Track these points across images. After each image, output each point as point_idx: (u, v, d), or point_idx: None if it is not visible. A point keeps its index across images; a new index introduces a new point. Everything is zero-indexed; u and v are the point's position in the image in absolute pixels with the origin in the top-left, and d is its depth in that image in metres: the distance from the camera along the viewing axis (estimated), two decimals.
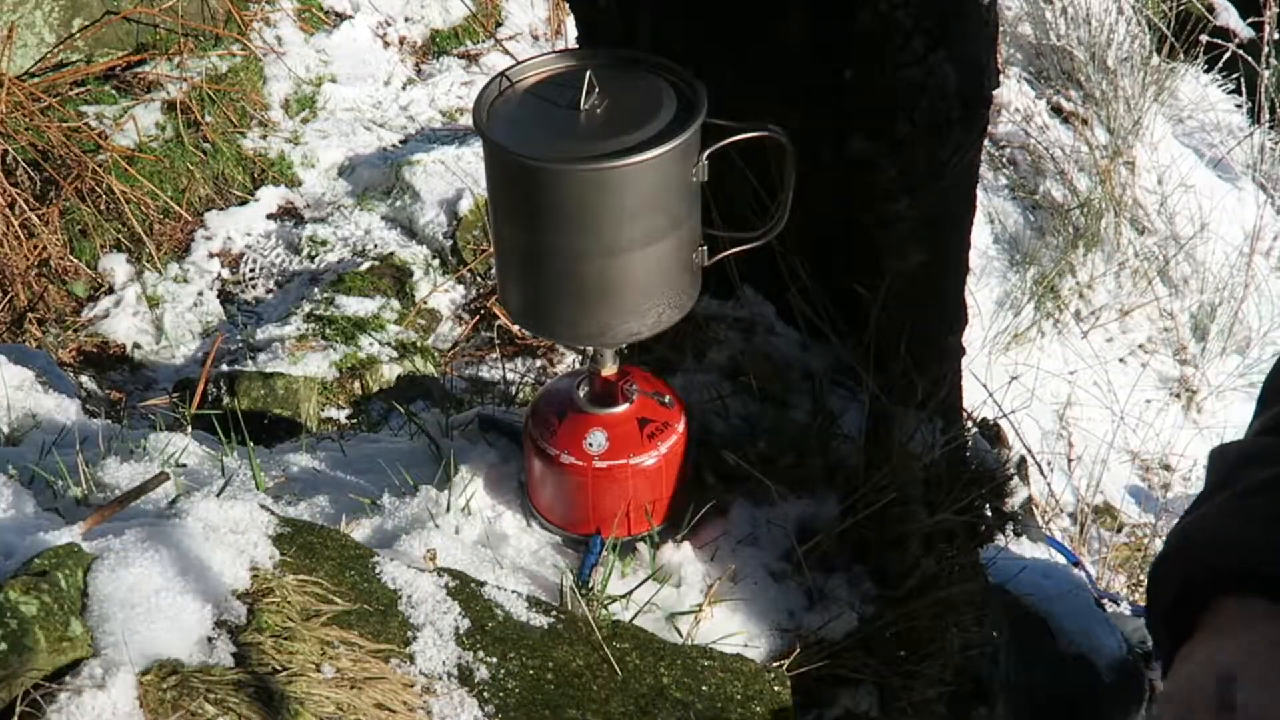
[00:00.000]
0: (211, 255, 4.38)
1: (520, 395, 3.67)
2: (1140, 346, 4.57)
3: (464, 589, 1.37)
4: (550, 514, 1.55)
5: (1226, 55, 5.06)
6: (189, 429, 1.78)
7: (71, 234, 4.19)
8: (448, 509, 1.53)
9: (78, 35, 4.60)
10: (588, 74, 1.30)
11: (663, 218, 1.32)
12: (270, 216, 4.55)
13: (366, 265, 4.28)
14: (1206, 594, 0.94)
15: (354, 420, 3.67)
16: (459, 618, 1.32)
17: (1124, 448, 4.27)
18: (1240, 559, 0.93)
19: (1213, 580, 0.94)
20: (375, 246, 4.39)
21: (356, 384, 3.84)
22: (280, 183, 4.63)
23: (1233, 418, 4.35)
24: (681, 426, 1.51)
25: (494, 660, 1.30)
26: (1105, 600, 2.65)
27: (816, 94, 1.59)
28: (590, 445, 1.47)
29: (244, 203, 4.54)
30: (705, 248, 1.41)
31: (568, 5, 1.92)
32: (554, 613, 1.39)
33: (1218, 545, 0.95)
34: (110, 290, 4.19)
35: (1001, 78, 4.58)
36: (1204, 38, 5.05)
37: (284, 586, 1.24)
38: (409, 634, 1.28)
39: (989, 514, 1.87)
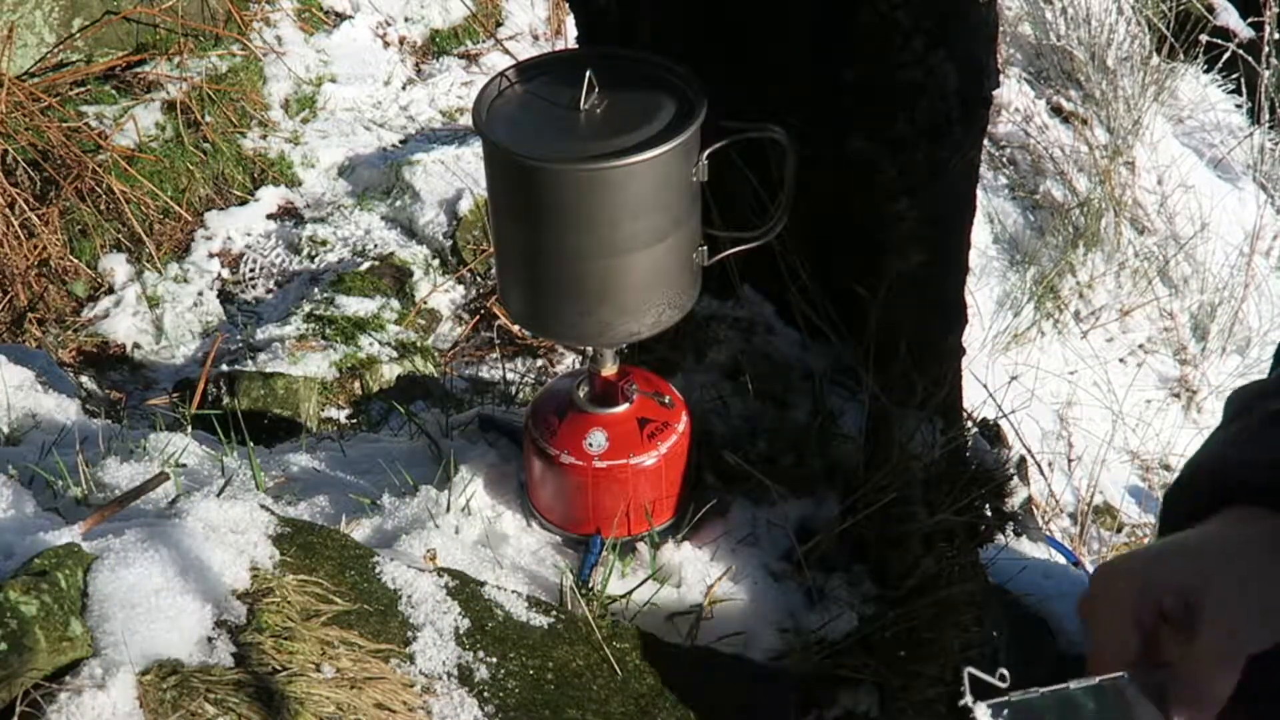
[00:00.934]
0: (211, 255, 4.38)
1: (520, 395, 3.68)
2: (1140, 346, 4.57)
3: (464, 589, 1.37)
4: (550, 514, 1.55)
5: (1226, 55, 5.06)
6: (189, 429, 1.78)
7: (71, 234, 4.19)
8: (448, 509, 1.53)
9: (78, 35, 4.60)
10: (588, 74, 1.30)
11: (663, 217, 1.32)
12: (270, 216, 4.55)
13: (366, 265, 4.28)
14: (1215, 510, 0.97)
15: (354, 420, 3.67)
16: (459, 618, 1.32)
17: (1124, 448, 4.27)
18: (1249, 476, 0.96)
19: (1221, 498, 0.96)
20: (375, 246, 4.39)
21: (356, 384, 3.84)
22: (280, 183, 4.63)
23: None
24: (682, 426, 1.51)
25: (494, 660, 1.30)
26: None
27: (816, 94, 1.59)
28: (590, 445, 1.47)
29: (244, 203, 4.54)
30: (705, 248, 1.41)
31: (568, 5, 1.92)
32: (554, 613, 1.39)
33: (1228, 466, 0.98)
34: (110, 290, 4.19)
35: (1001, 78, 4.58)
36: (1204, 38, 5.05)
37: (284, 586, 1.24)
38: (409, 634, 1.28)
39: (989, 514, 1.87)
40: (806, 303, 1.69)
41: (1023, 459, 2.26)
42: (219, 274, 4.35)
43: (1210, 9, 5.28)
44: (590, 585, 1.46)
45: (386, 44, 5.28)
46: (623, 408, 1.50)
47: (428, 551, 1.43)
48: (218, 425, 1.74)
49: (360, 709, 1.16)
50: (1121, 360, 4.52)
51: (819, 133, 1.56)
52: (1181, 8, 5.16)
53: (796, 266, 1.67)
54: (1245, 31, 5.17)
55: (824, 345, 1.71)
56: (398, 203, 4.52)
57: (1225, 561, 0.92)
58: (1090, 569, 3.48)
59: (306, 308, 4.09)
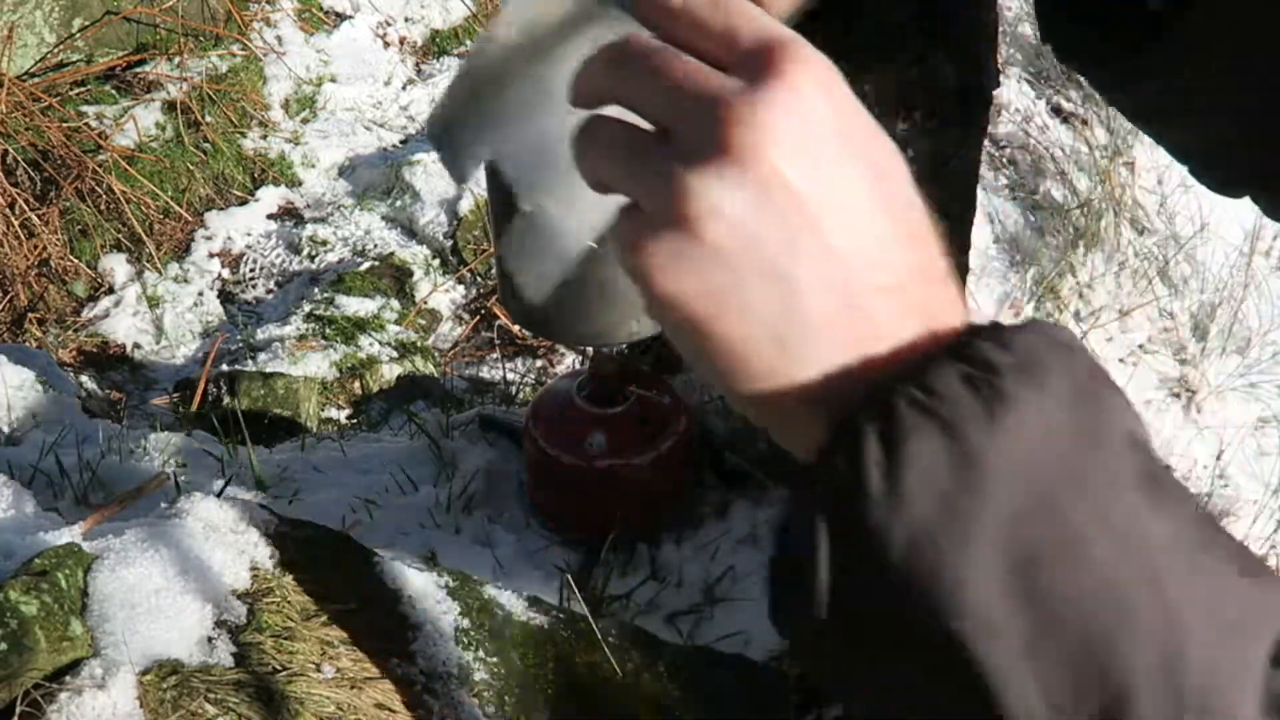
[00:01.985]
0: (211, 255, 4.38)
1: (520, 395, 3.68)
2: (1140, 346, 4.57)
3: (464, 588, 1.37)
4: (550, 514, 1.55)
5: None
6: (189, 429, 1.78)
7: (71, 234, 4.19)
8: (448, 509, 1.53)
9: (78, 35, 4.60)
10: None
11: None
12: (270, 216, 4.55)
13: (366, 265, 4.29)
14: None
15: (354, 420, 3.67)
16: (459, 617, 1.32)
17: None
18: None
19: None
20: (375, 246, 4.39)
21: (356, 384, 3.84)
22: (280, 183, 4.63)
23: (1232, 417, 4.35)
24: (681, 426, 1.51)
25: (494, 660, 1.30)
26: None
27: None
28: (590, 445, 1.47)
29: (244, 203, 4.54)
30: None
31: None
32: (554, 613, 1.39)
33: None
34: (110, 290, 4.19)
35: (1001, 78, 4.58)
36: None
37: (284, 586, 1.24)
38: (409, 634, 1.28)
39: None
40: None
41: None
42: (219, 274, 4.35)
43: None
44: (590, 585, 1.46)
45: (387, 44, 5.28)
46: (622, 408, 1.50)
47: (428, 551, 1.43)
48: (218, 425, 1.74)
49: (360, 709, 1.16)
50: (1121, 360, 4.52)
51: None
52: None
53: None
54: None
55: None
56: (398, 203, 4.53)
57: None
58: None
59: (306, 308, 4.09)
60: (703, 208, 0.56)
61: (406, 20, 5.37)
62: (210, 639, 1.16)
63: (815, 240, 0.58)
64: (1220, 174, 1.11)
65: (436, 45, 5.36)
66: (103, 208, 4.23)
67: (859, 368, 0.57)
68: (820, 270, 0.58)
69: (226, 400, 3.43)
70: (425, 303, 4.20)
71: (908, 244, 0.63)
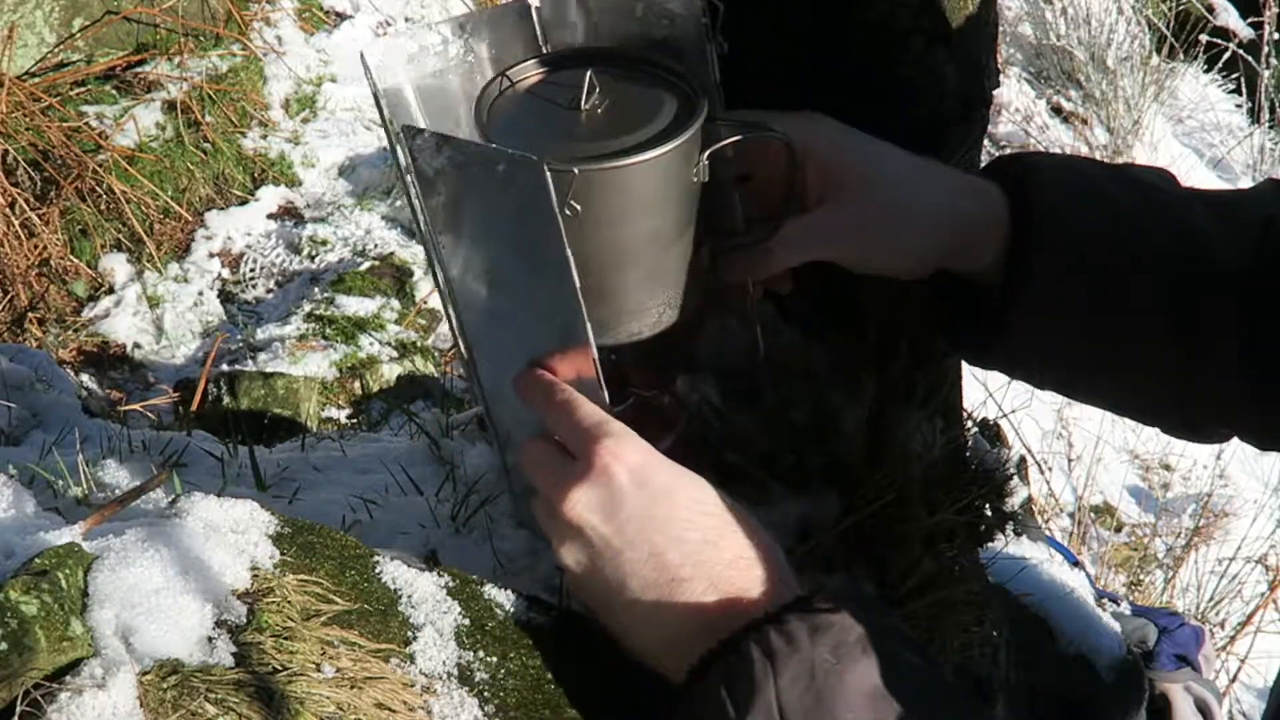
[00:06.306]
0: (212, 255, 4.38)
1: None
2: None
3: (464, 589, 1.37)
4: None
5: (1226, 55, 5.06)
6: (189, 429, 1.78)
7: (71, 234, 4.19)
8: (450, 508, 1.53)
9: (78, 35, 4.60)
10: (588, 74, 1.30)
11: (663, 218, 1.32)
12: (270, 216, 4.55)
13: (366, 265, 4.29)
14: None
15: (354, 420, 3.67)
16: (459, 617, 1.32)
17: (1124, 447, 4.27)
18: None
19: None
20: (375, 246, 4.39)
21: (356, 384, 3.84)
22: (280, 183, 4.63)
23: None
24: (681, 427, 1.51)
25: (494, 660, 1.30)
26: (1105, 600, 2.65)
27: (816, 94, 1.59)
28: None
29: (244, 203, 4.54)
30: (706, 247, 1.41)
31: None
32: (554, 613, 1.39)
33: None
34: (110, 290, 4.19)
35: (1001, 78, 4.58)
36: (1204, 38, 5.06)
37: (284, 586, 1.24)
38: (409, 634, 1.28)
39: (989, 514, 1.87)
40: (806, 303, 1.69)
41: (1023, 459, 2.26)
42: (219, 274, 4.35)
43: (1210, 9, 5.28)
44: None
45: None
46: (621, 408, 1.49)
47: (428, 551, 1.43)
48: (218, 425, 1.74)
49: (360, 709, 1.16)
50: None
51: None
52: (1181, 8, 5.16)
53: (797, 266, 1.67)
54: (1245, 31, 5.17)
55: (824, 345, 1.71)
56: (398, 202, 4.53)
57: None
58: (1090, 569, 3.48)
59: (306, 307, 4.09)
60: (561, 555, 1.11)
61: (407, 20, 5.38)
62: (210, 639, 1.16)
63: (623, 560, 1.01)
64: (1157, 424, 1.41)
65: None
66: (103, 208, 4.23)
67: (676, 642, 1.03)
68: (636, 574, 1.01)
69: (226, 400, 3.43)
70: (425, 302, 4.20)
71: (701, 546, 1.04)
